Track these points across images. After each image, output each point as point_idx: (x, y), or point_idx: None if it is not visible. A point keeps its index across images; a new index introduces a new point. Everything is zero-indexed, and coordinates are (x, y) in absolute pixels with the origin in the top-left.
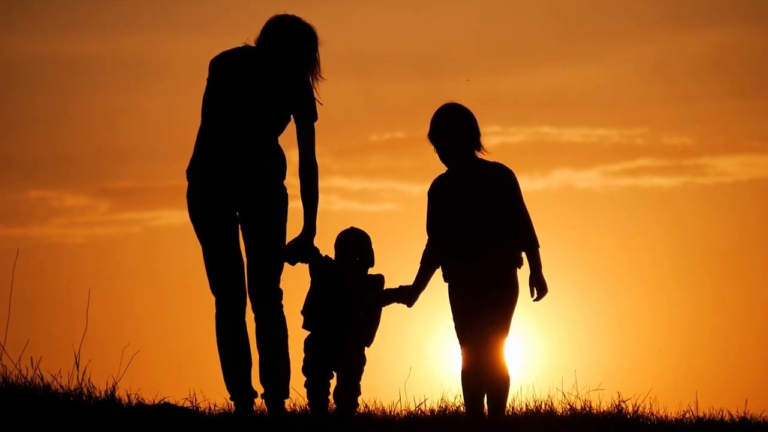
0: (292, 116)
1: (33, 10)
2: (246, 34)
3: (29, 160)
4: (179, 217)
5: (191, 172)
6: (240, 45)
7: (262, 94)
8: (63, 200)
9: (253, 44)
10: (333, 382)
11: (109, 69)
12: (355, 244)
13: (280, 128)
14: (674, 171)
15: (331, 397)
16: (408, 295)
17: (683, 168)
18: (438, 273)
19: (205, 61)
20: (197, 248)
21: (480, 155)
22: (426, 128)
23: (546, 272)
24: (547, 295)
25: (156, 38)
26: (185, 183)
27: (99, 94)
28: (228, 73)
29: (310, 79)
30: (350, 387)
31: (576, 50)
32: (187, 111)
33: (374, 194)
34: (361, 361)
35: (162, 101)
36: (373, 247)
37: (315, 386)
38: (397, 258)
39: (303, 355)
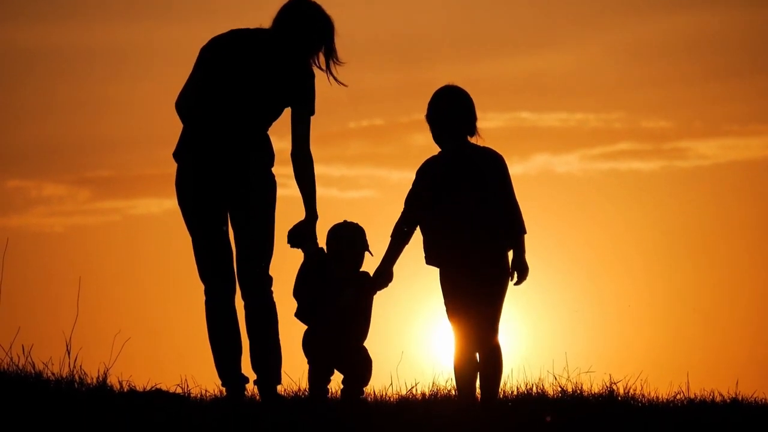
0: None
1: (13, 2)
2: (231, 23)
3: (7, 150)
4: (158, 205)
5: (180, 156)
6: (252, 27)
7: (268, 81)
8: (42, 190)
9: (266, 27)
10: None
11: (88, 59)
12: (347, 239)
13: (276, 117)
14: (653, 155)
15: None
16: (381, 274)
17: (662, 152)
18: (416, 254)
19: (187, 50)
20: (179, 236)
21: (473, 140)
22: (405, 115)
23: (529, 256)
24: (535, 277)
25: (135, 28)
26: (164, 171)
27: (76, 83)
28: (235, 53)
29: (331, 69)
30: (355, 388)
31: (553, 35)
32: (166, 100)
33: (353, 181)
34: (363, 360)
35: (141, 90)
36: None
37: (317, 379)
38: (376, 244)
39: (295, 341)
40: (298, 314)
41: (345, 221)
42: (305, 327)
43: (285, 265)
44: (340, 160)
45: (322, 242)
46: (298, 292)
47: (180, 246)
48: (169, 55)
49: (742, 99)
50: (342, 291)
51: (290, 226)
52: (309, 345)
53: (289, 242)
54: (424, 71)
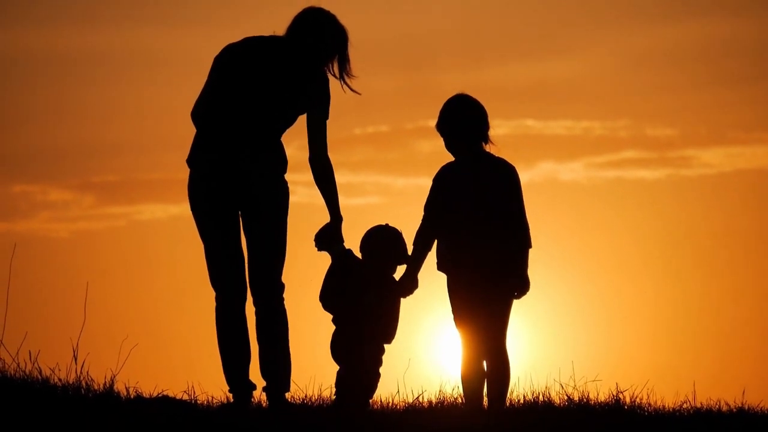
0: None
1: (19, 6)
2: (238, 28)
3: (12, 155)
4: (164, 210)
5: (192, 162)
6: (266, 34)
7: (282, 88)
8: (48, 194)
9: (279, 34)
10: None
11: (94, 63)
12: (385, 246)
13: (290, 123)
14: (658, 163)
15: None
16: (406, 281)
17: (667, 160)
18: (430, 262)
19: (193, 55)
20: (185, 241)
21: (488, 148)
22: (410, 121)
23: (534, 264)
24: (540, 285)
25: (142, 33)
26: (170, 176)
27: (82, 88)
28: (249, 60)
29: (344, 78)
30: (359, 379)
31: (558, 42)
32: (172, 105)
33: (359, 187)
34: (373, 358)
35: (147, 95)
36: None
37: (343, 384)
38: None
39: (305, 349)
40: (328, 309)
41: (387, 225)
42: (313, 335)
43: (297, 272)
44: (346, 167)
45: (348, 244)
46: (324, 295)
47: (186, 251)
48: (176, 60)
49: (748, 107)
50: (366, 292)
51: (302, 233)
52: (335, 346)
53: (316, 245)
54: (430, 78)
